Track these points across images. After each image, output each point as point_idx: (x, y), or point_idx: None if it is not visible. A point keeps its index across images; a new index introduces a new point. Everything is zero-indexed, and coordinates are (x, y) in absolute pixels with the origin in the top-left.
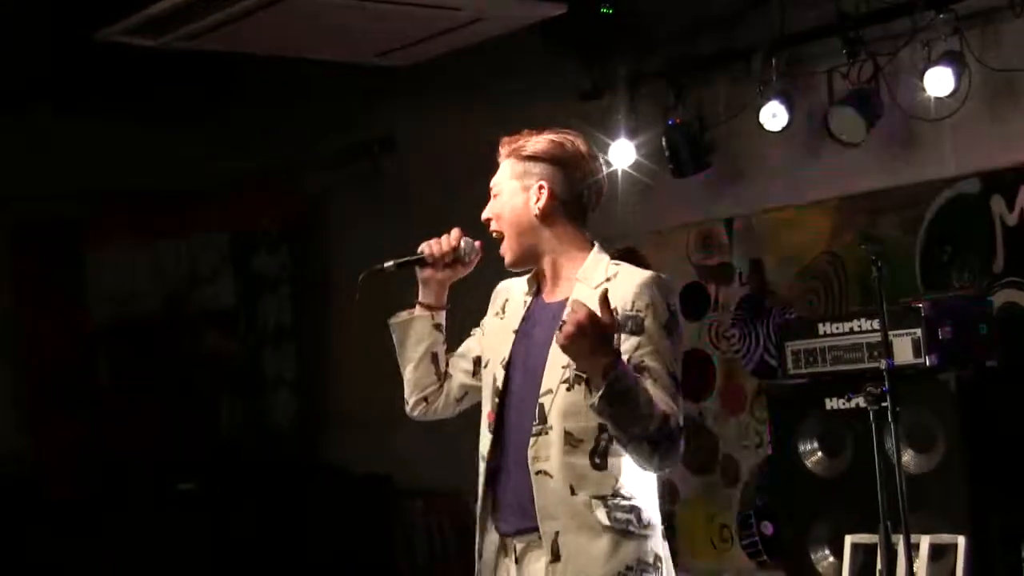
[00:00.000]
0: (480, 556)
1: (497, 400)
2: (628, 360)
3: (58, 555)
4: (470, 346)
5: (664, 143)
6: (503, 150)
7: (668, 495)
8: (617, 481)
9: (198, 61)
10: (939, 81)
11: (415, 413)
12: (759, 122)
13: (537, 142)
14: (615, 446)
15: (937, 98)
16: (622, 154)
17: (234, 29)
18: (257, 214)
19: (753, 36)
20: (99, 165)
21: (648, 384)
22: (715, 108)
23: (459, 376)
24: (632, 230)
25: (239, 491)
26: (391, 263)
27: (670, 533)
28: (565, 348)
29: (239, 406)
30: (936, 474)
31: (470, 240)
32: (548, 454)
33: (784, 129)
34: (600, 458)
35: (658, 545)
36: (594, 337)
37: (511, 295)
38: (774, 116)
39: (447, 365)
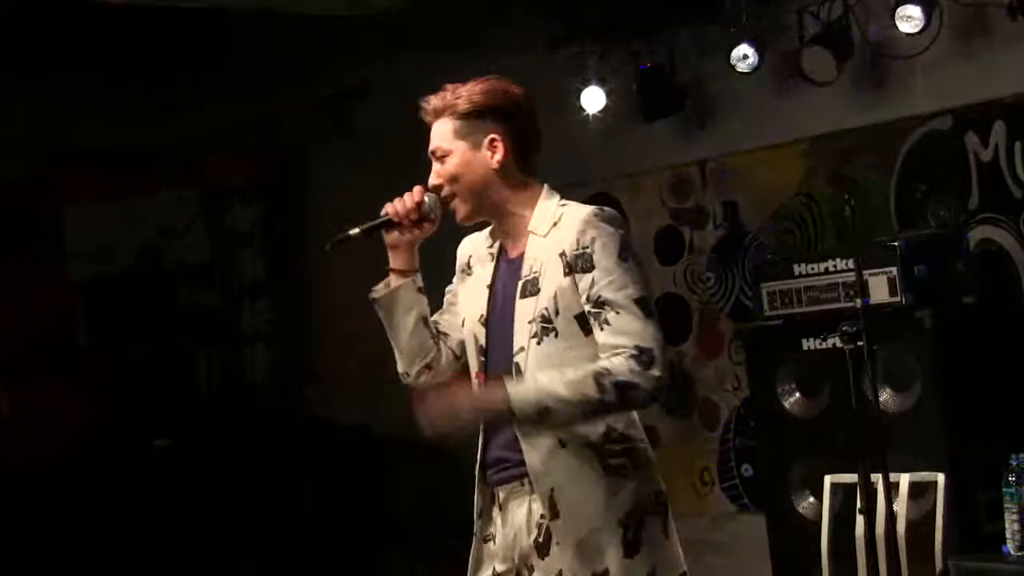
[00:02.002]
0: (478, 513)
1: (483, 358)
2: (587, 298)
3: (36, 514)
4: (453, 301)
5: (635, 88)
6: (431, 109)
7: (648, 439)
8: (607, 426)
9: (169, 16)
10: (909, 18)
11: (421, 380)
12: (730, 64)
13: (474, 96)
14: None
15: (908, 35)
16: (593, 100)
17: None
18: (230, 168)
19: None
20: (71, 122)
21: (611, 316)
22: (686, 51)
23: (455, 333)
24: (605, 175)
25: (218, 446)
26: (356, 229)
27: None
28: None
29: (216, 361)
30: (914, 412)
31: (433, 195)
32: None
33: (755, 70)
34: None
35: (659, 483)
36: (463, 407)
37: (475, 251)
38: (745, 57)
39: (436, 325)
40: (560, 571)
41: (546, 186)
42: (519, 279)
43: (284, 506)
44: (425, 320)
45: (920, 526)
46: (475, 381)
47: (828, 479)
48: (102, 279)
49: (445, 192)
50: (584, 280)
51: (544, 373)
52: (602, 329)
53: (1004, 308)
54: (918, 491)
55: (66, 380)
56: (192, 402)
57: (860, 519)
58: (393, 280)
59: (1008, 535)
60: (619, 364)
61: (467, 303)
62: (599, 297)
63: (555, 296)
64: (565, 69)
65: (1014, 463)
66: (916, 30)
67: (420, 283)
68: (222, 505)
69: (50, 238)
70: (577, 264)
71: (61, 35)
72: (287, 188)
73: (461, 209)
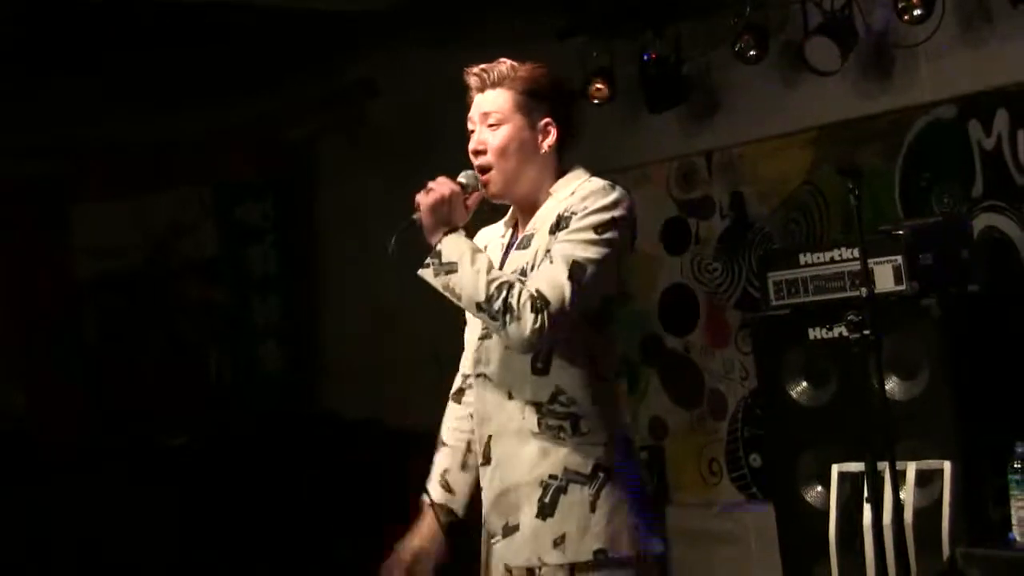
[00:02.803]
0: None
1: (480, 341)
2: (547, 251)
3: (50, 512)
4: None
5: (641, 79)
6: (490, 78)
7: (657, 430)
8: (556, 387)
9: (178, 13)
10: (913, 7)
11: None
12: (735, 54)
13: (536, 76)
14: (560, 349)
15: (911, 24)
16: (599, 91)
17: None
18: (240, 163)
19: None
20: (80, 120)
21: (546, 263)
22: (691, 42)
23: None
24: (611, 167)
25: (231, 442)
26: (417, 215)
27: (657, 468)
28: (424, 211)
29: (228, 357)
30: (921, 401)
31: (468, 172)
32: (490, 358)
33: (760, 61)
34: (542, 363)
35: (604, 457)
36: (449, 211)
37: (489, 240)
38: (750, 48)
39: None
40: (484, 516)
41: (580, 168)
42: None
43: (296, 502)
44: None
45: (927, 514)
46: (473, 356)
47: (836, 468)
48: (111, 276)
49: (485, 161)
50: (556, 237)
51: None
52: (538, 268)
53: (1009, 295)
54: (925, 479)
55: (76, 378)
56: (203, 399)
57: (867, 508)
58: None
59: (1015, 522)
60: (521, 293)
61: None
62: (550, 249)
63: (536, 252)
64: (571, 61)
65: (1020, 451)
66: (919, 19)
67: None
68: (234, 502)
69: (59, 236)
70: (560, 223)
71: (69, 33)
72: (297, 183)
73: (496, 183)
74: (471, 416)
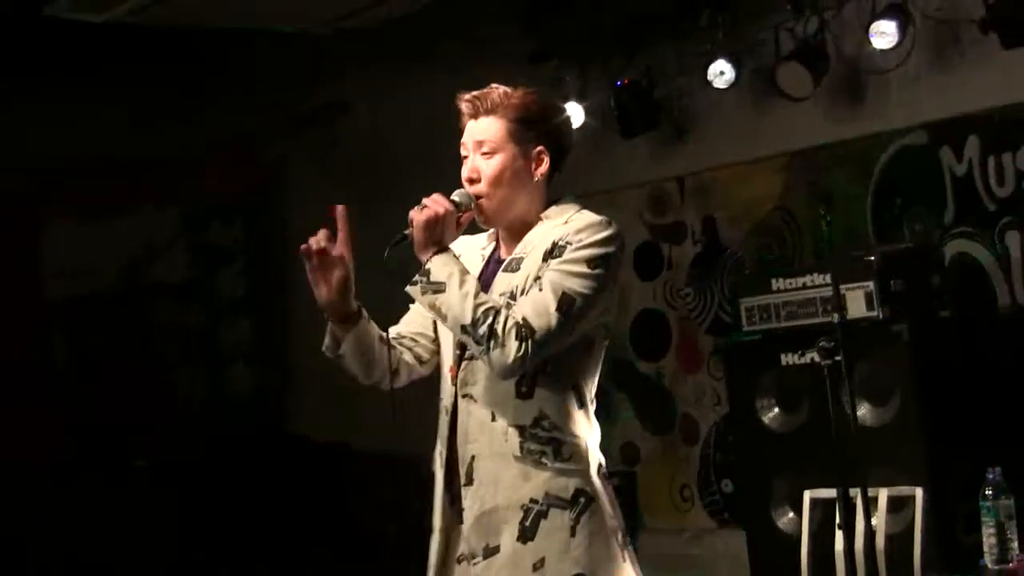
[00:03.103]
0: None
1: (458, 352)
2: (536, 278)
3: (16, 533)
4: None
5: (613, 104)
6: (483, 105)
7: (628, 455)
8: (540, 411)
9: (148, 34)
10: (884, 33)
11: (398, 384)
12: (707, 80)
13: (530, 103)
14: (545, 375)
15: (882, 50)
16: (572, 116)
17: (180, 3)
18: (211, 185)
19: None
20: (51, 140)
21: (535, 290)
22: (663, 67)
23: (420, 348)
24: (583, 191)
25: (199, 463)
26: (409, 230)
27: (629, 494)
28: (416, 227)
29: (197, 378)
30: (892, 426)
31: (462, 191)
32: (476, 379)
33: (732, 86)
34: (527, 387)
35: (585, 483)
36: (442, 229)
37: (465, 251)
38: (722, 73)
39: (400, 339)
40: (464, 536)
41: (571, 196)
42: (502, 267)
43: (263, 524)
44: (381, 340)
45: (899, 540)
46: (447, 375)
47: (808, 494)
48: (81, 298)
49: (478, 189)
50: (548, 264)
51: (475, 281)
52: (526, 295)
53: (980, 321)
54: (897, 505)
55: (44, 400)
56: (172, 420)
57: (839, 534)
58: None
59: (986, 549)
60: (507, 319)
61: None
62: (539, 276)
63: (527, 277)
64: (543, 86)
65: (991, 477)
66: (890, 46)
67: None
68: (202, 524)
69: (29, 256)
70: (553, 251)
71: (40, 52)
72: (268, 205)
73: (490, 210)
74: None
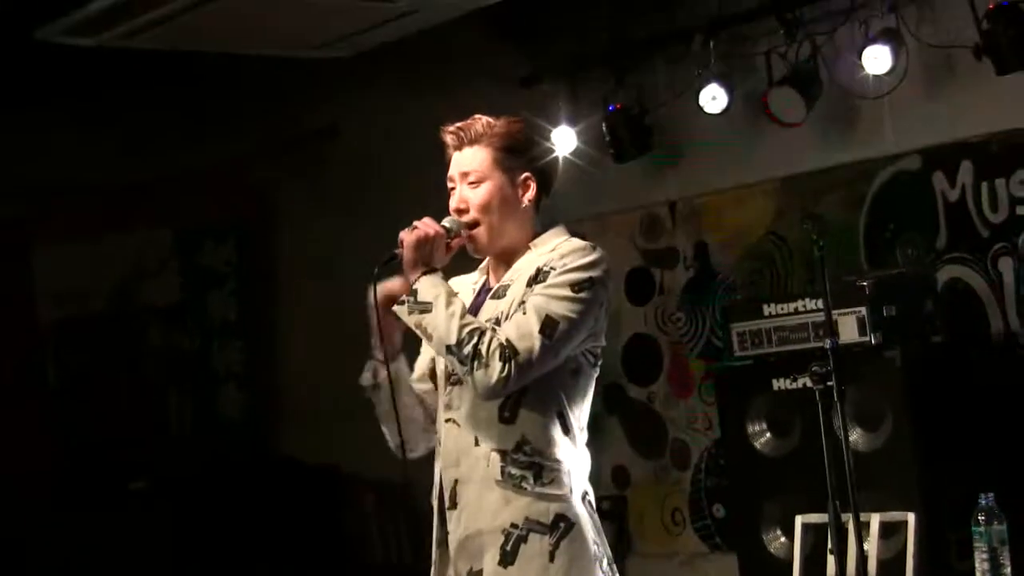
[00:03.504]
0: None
1: (449, 388)
2: (521, 303)
3: (8, 553)
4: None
5: (604, 128)
6: (467, 136)
7: (619, 479)
8: (522, 436)
9: (140, 58)
10: (877, 59)
11: (417, 454)
12: (699, 105)
13: (514, 132)
14: (528, 399)
15: (875, 76)
16: (563, 141)
17: (172, 27)
18: (202, 208)
19: (691, 18)
20: (42, 163)
21: (519, 314)
22: (655, 92)
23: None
24: (575, 216)
25: (190, 487)
26: (400, 250)
27: (620, 518)
28: (406, 247)
29: (188, 401)
30: (885, 452)
31: (452, 218)
32: (460, 403)
33: (724, 111)
34: (510, 412)
35: (566, 508)
36: (431, 250)
37: (461, 290)
38: (714, 98)
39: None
40: (451, 560)
41: (561, 225)
42: (493, 295)
43: (253, 545)
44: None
45: (891, 566)
46: (442, 411)
47: (799, 519)
48: (74, 320)
49: (468, 218)
50: (532, 290)
51: (461, 303)
52: (509, 319)
53: (973, 347)
54: (889, 531)
55: (36, 421)
56: (163, 443)
57: (831, 559)
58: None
59: (978, 574)
60: (492, 340)
61: None
62: (524, 300)
63: (512, 302)
64: (535, 109)
65: (984, 502)
66: (884, 71)
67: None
68: (192, 545)
69: (21, 279)
70: (539, 276)
71: (31, 75)
72: (259, 228)
73: (482, 239)
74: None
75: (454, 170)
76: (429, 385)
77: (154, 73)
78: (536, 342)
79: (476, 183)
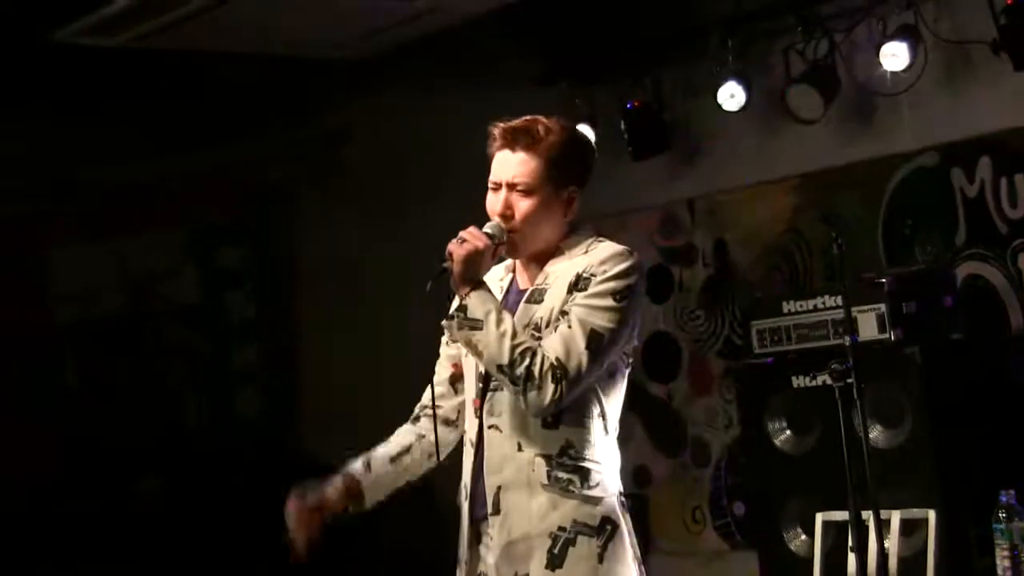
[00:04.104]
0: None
1: (481, 386)
2: (563, 312)
3: (24, 557)
4: (440, 372)
5: (623, 126)
6: (520, 139)
7: (640, 478)
8: (567, 440)
9: (158, 58)
10: (895, 55)
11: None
12: (717, 102)
13: (566, 143)
14: (571, 405)
15: (893, 72)
16: None
17: (188, 28)
18: (218, 208)
19: (708, 16)
20: (59, 163)
21: (564, 327)
22: (673, 89)
23: (448, 411)
24: (594, 214)
25: (206, 487)
26: (448, 263)
27: (641, 516)
28: (457, 262)
29: (206, 402)
30: (905, 449)
31: (495, 223)
32: (501, 409)
33: (742, 108)
34: (552, 417)
35: (610, 510)
36: (480, 264)
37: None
38: (732, 96)
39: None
40: (492, 564)
41: (588, 224)
42: (523, 299)
43: (271, 546)
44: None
45: (912, 563)
46: (471, 407)
47: (820, 516)
48: (89, 322)
49: (512, 225)
50: (573, 298)
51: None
52: (555, 331)
53: (992, 343)
54: (909, 528)
55: (54, 423)
56: (180, 444)
57: (852, 557)
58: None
59: (999, 571)
60: (543, 361)
61: None
62: (566, 311)
63: (551, 309)
64: (552, 108)
65: (1004, 499)
66: (901, 67)
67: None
68: (209, 545)
69: (37, 280)
70: (578, 284)
71: (47, 76)
72: (276, 228)
73: (520, 246)
74: (420, 437)
75: (502, 173)
76: (453, 398)
77: (171, 73)
78: (584, 358)
79: (525, 193)
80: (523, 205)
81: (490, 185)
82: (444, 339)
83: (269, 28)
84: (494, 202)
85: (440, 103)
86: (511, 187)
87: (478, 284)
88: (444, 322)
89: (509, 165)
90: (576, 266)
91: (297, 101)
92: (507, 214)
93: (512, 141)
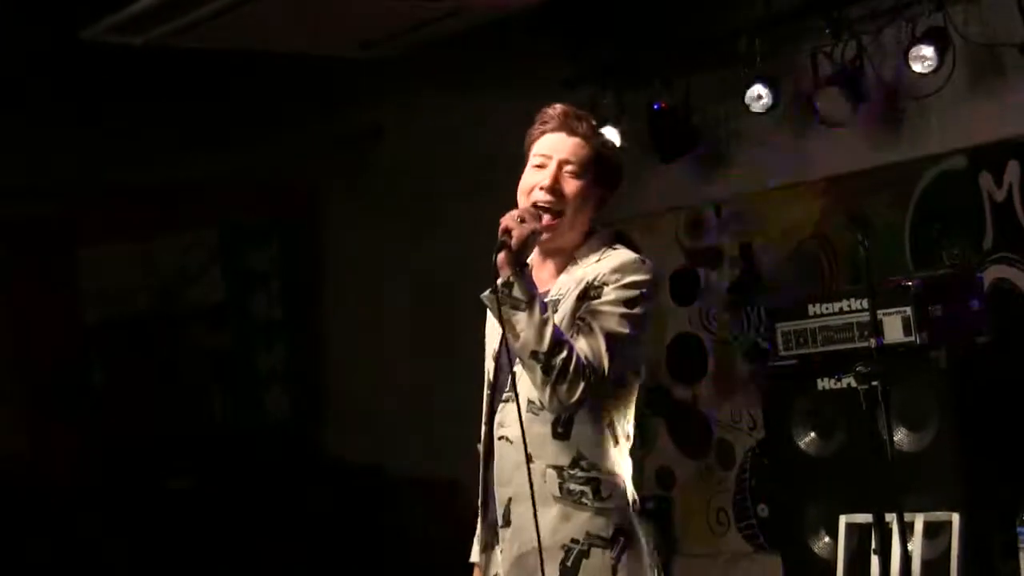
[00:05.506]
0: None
1: (489, 392)
2: (576, 316)
3: (54, 555)
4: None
5: (650, 128)
6: (576, 125)
7: (664, 480)
8: (578, 452)
9: (185, 57)
10: (923, 58)
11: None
12: (745, 104)
13: (610, 146)
14: (581, 414)
15: (922, 75)
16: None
17: (218, 25)
18: (246, 209)
19: (737, 19)
20: (88, 163)
21: (586, 329)
22: (700, 92)
23: None
24: (621, 216)
25: (233, 486)
26: (505, 237)
27: (665, 519)
28: (516, 240)
29: (233, 401)
30: (929, 452)
31: (527, 209)
32: (511, 421)
33: (770, 111)
34: (563, 427)
35: (623, 521)
36: (531, 246)
37: None
38: (759, 98)
39: None
40: (504, 572)
41: (602, 231)
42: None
43: (298, 546)
44: None
45: (935, 567)
46: (495, 419)
47: (843, 519)
48: (118, 321)
49: (552, 200)
50: (586, 303)
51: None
52: (579, 333)
53: (1018, 347)
54: (933, 531)
55: (81, 422)
56: (208, 444)
57: (875, 559)
58: None
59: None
60: (577, 357)
61: (489, 339)
62: (583, 318)
63: (563, 318)
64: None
65: None
66: (930, 70)
67: None
68: (237, 546)
69: (66, 279)
70: (590, 292)
71: (77, 76)
72: (304, 228)
73: (559, 228)
74: None
75: (553, 149)
76: None
77: (201, 73)
78: (605, 361)
79: (574, 174)
80: (571, 185)
81: (537, 161)
82: (487, 331)
83: (298, 28)
84: (541, 176)
85: (469, 104)
86: (562, 164)
87: (524, 266)
88: (485, 294)
89: (565, 145)
90: (588, 275)
91: (325, 101)
92: (556, 187)
93: (568, 126)
